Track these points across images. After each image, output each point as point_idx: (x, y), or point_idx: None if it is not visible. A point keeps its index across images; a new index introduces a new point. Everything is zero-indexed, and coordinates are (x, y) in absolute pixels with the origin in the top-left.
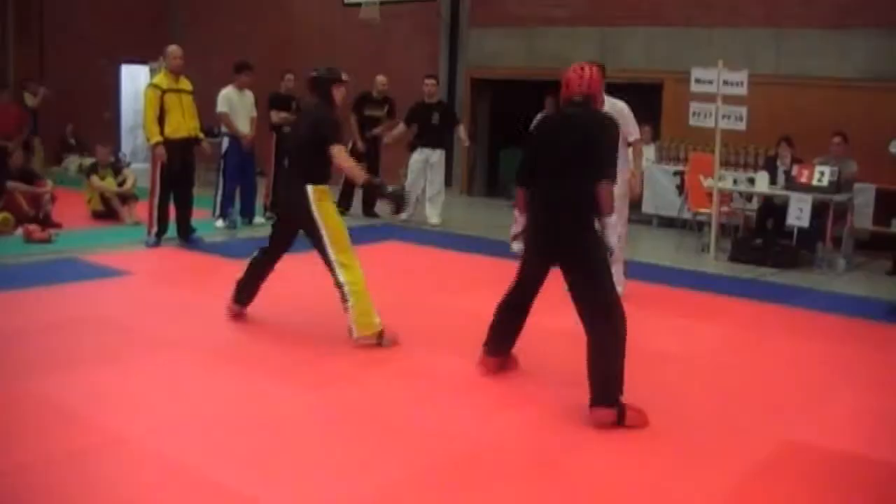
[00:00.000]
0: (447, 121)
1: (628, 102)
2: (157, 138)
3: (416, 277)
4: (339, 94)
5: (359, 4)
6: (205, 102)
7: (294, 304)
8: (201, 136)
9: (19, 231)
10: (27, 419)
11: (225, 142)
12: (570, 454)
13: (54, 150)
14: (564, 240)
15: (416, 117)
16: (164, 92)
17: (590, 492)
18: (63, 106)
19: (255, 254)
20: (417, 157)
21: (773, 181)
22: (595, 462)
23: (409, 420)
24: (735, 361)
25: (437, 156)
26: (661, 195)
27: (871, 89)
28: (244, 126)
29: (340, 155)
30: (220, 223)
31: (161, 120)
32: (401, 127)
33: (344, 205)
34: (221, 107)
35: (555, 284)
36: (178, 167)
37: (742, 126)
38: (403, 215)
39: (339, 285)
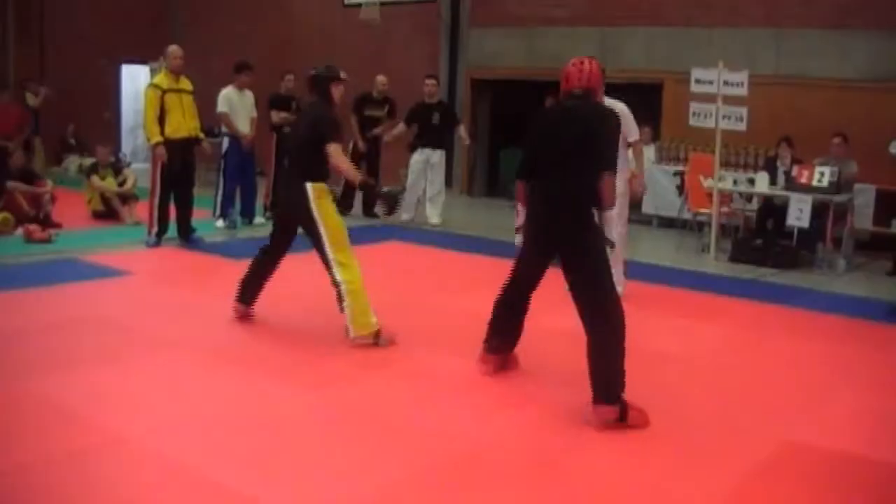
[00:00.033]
0: (447, 121)
1: (628, 103)
2: (158, 138)
3: (416, 277)
4: (337, 92)
5: (359, 5)
6: (205, 102)
7: (294, 304)
8: (202, 136)
9: (19, 231)
10: (27, 419)
11: (225, 142)
12: (570, 454)
13: (55, 150)
14: (564, 237)
15: (417, 117)
16: (164, 92)
17: (590, 492)
18: (63, 106)
19: (256, 255)
20: (418, 157)
21: (773, 182)
22: (595, 462)
23: (409, 420)
24: (735, 362)
25: (438, 156)
26: (661, 195)
27: (871, 90)
28: (244, 126)
29: (336, 154)
30: (220, 223)
31: (161, 120)
32: (401, 127)
33: (345, 205)
34: (221, 107)
35: (555, 284)
36: (178, 167)
37: (742, 126)
38: (404, 216)
39: (335, 284)
